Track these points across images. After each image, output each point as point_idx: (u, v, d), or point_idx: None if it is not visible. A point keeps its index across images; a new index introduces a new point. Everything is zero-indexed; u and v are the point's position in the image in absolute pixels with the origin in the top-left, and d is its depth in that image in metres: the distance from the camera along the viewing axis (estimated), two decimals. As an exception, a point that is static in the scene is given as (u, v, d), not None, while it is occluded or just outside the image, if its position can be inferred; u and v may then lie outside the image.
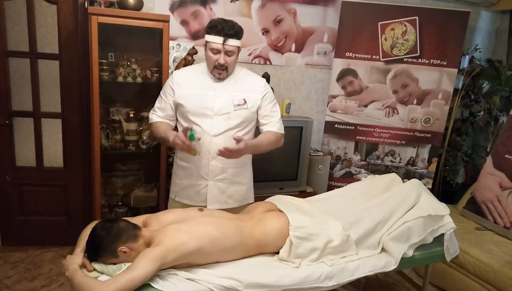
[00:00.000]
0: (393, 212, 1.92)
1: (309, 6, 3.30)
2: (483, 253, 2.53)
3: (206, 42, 1.86)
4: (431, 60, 3.26)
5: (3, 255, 2.79)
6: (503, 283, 2.35)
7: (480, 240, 2.71)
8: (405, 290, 2.77)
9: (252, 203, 2.08)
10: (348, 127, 3.40)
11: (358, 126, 3.40)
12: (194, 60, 2.79)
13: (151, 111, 2.03)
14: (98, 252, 1.49)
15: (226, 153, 1.73)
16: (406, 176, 3.44)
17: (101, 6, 2.55)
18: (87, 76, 2.64)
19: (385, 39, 3.23)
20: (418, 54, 3.25)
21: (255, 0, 3.14)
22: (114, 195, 2.91)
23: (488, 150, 3.72)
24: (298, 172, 2.99)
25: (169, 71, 2.75)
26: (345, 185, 2.34)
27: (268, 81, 3.01)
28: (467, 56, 3.69)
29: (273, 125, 2.00)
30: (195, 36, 3.03)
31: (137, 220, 1.71)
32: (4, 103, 2.70)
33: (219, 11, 3.05)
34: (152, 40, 2.76)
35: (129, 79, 2.69)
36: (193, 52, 2.77)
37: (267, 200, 2.01)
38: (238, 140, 1.74)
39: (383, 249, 1.86)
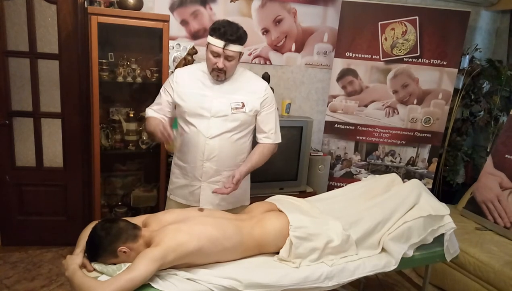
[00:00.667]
0: (393, 212, 1.91)
1: (309, 6, 3.30)
2: (483, 253, 2.53)
3: (208, 43, 1.83)
4: (431, 60, 3.26)
5: (3, 255, 2.79)
6: (503, 283, 2.35)
7: (480, 240, 2.70)
8: (405, 290, 2.77)
9: (247, 205, 2.07)
10: (348, 127, 3.40)
11: (358, 126, 3.39)
12: (194, 60, 2.79)
13: (148, 107, 2.03)
14: (98, 252, 1.49)
15: (225, 191, 1.80)
16: (406, 176, 3.44)
17: (100, 6, 2.55)
18: (87, 76, 2.64)
19: (385, 39, 3.23)
20: (418, 54, 3.25)
21: (255, 0, 3.13)
22: (114, 195, 2.91)
23: (488, 150, 3.72)
24: (298, 172, 2.99)
25: (169, 71, 2.75)
26: (345, 185, 2.33)
27: (268, 81, 3.02)
28: (467, 56, 3.69)
29: (268, 137, 1.99)
30: (195, 36, 3.03)
31: (137, 220, 1.70)
32: (3, 103, 2.70)
33: (219, 11, 3.05)
34: (152, 40, 2.76)
35: (129, 79, 2.69)
36: (193, 52, 2.77)
37: (267, 200, 2.01)
38: (236, 180, 1.80)
39: (383, 249, 1.86)
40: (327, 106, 3.37)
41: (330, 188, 3.31)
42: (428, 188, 2.69)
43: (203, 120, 1.89)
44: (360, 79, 3.31)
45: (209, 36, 1.82)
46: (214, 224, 1.63)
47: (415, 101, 3.34)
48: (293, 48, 3.35)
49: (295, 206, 1.94)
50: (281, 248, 1.70)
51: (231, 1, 3.07)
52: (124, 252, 1.48)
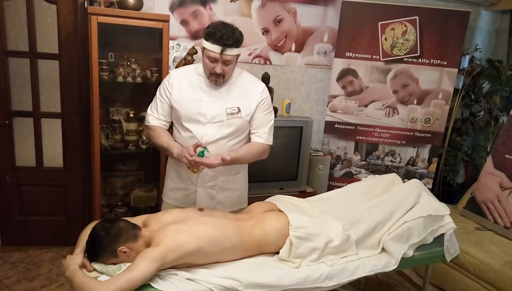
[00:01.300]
0: (393, 212, 1.91)
1: (309, 6, 3.30)
2: (483, 253, 2.53)
3: (204, 48, 1.77)
4: (431, 60, 3.26)
5: (3, 255, 2.79)
6: (503, 283, 2.35)
7: (480, 240, 2.70)
8: (405, 290, 2.77)
9: (245, 208, 2.05)
10: (348, 127, 3.39)
11: (358, 126, 3.39)
12: (194, 60, 2.79)
13: (147, 112, 1.96)
14: (98, 252, 1.49)
15: (199, 163, 1.69)
16: (406, 176, 3.44)
17: (100, 6, 2.54)
18: (87, 76, 2.64)
19: (385, 39, 3.23)
20: (418, 54, 3.25)
21: (255, 0, 3.13)
22: (114, 195, 2.91)
23: (488, 150, 3.72)
24: (298, 172, 2.99)
25: (169, 71, 2.75)
26: (345, 185, 2.33)
27: (268, 81, 3.02)
28: (467, 56, 3.69)
29: (260, 137, 1.92)
30: (195, 36, 3.03)
31: (137, 220, 1.71)
32: (3, 103, 2.70)
33: (219, 11, 3.04)
34: (152, 40, 2.76)
35: (129, 79, 2.69)
36: (193, 52, 2.77)
37: (267, 200, 2.01)
38: (222, 158, 1.70)
39: (383, 249, 1.86)
40: (327, 106, 3.37)
41: (330, 188, 3.31)
42: (428, 188, 2.69)
43: (199, 126, 1.84)
44: (360, 79, 3.31)
45: (204, 41, 1.75)
46: (214, 224, 1.63)
47: (415, 101, 3.34)
48: (293, 48, 3.35)
49: (295, 206, 1.94)
50: (281, 248, 1.70)
51: (231, 1, 3.07)
52: (124, 252, 1.48)
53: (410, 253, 1.87)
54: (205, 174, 1.89)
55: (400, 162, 3.48)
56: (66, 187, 2.90)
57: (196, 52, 2.78)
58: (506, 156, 2.95)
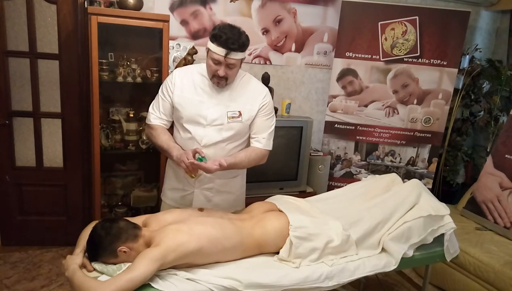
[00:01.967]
0: (393, 212, 1.91)
1: (309, 6, 3.30)
2: (483, 253, 2.53)
3: (208, 49, 1.74)
4: (431, 60, 3.26)
5: (3, 255, 2.79)
6: (503, 283, 2.35)
7: (480, 240, 2.70)
8: (405, 290, 2.77)
9: (241, 210, 2.05)
10: (348, 127, 3.40)
11: (358, 126, 3.39)
12: (194, 60, 2.79)
13: (149, 111, 1.95)
14: (98, 252, 1.49)
15: (197, 166, 1.68)
16: (406, 176, 3.44)
17: (100, 6, 2.55)
18: (87, 76, 2.64)
19: (385, 39, 3.23)
20: (418, 54, 3.25)
21: (255, 0, 3.13)
22: (114, 195, 2.91)
23: (488, 150, 3.72)
24: (298, 172, 2.99)
25: (169, 71, 2.75)
26: (345, 185, 2.33)
27: (268, 81, 3.02)
28: (467, 56, 3.69)
29: (259, 141, 1.91)
30: (195, 36, 3.03)
31: (137, 220, 1.70)
32: (4, 103, 2.70)
33: (219, 11, 3.04)
34: (152, 40, 2.76)
35: (129, 79, 2.69)
36: (193, 52, 2.77)
37: (267, 200, 2.01)
38: (219, 164, 1.69)
39: (383, 249, 1.86)
40: (327, 106, 3.37)
41: (330, 188, 3.31)
42: (428, 188, 2.69)
43: (199, 127, 1.83)
44: (360, 79, 3.31)
45: (209, 42, 1.73)
46: (214, 224, 1.63)
47: (415, 101, 3.34)
48: (293, 48, 3.35)
49: (295, 206, 1.94)
50: (281, 248, 1.71)
51: (231, 1, 3.07)
52: (124, 251, 1.48)
53: (410, 253, 1.87)
54: (203, 176, 1.88)
55: (400, 162, 3.48)
56: (66, 187, 2.90)
57: (196, 52, 2.78)
58: (506, 156, 2.95)
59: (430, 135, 3.40)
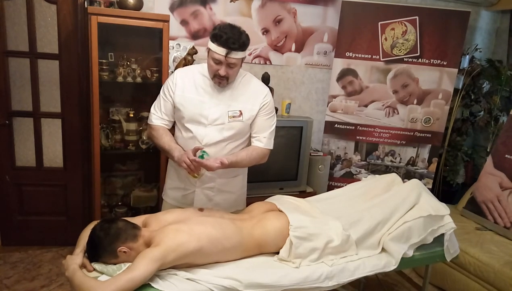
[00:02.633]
0: (393, 212, 1.91)
1: (309, 6, 3.30)
2: (483, 253, 2.53)
3: (209, 49, 1.75)
4: (431, 60, 3.26)
5: (3, 255, 2.79)
6: (503, 283, 2.35)
7: (480, 240, 2.70)
8: (405, 290, 2.77)
9: (242, 210, 2.05)
10: (348, 127, 3.40)
11: (358, 126, 3.39)
12: (194, 60, 2.79)
13: (151, 111, 1.95)
14: (97, 252, 1.49)
15: (199, 164, 1.69)
16: (406, 176, 3.44)
17: (100, 6, 2.55)
18: (87, 76, 2.64)
19: (385, 39, 3.23)
20: (418, 54, 3.25)
21: (255, 0, 3.13)
22: (114, 195, 2.91)
23: (488, 150, 3.72)
24: (298, 172, 2.99)
25: (169, 71, 2.75)
26: (345, 185, 2.33)
27: (268, 81, 3.02)
28: (467, 56, 3.69)
29: (260, 141, 1.92)
30: (195, 36, 3.03)
31: (137, 220, 1.70)
32: (4, 103, 2.70)
33: (219, 11, 3.04)
34: (152, 40, 2.76)
35: (129, 79, 2.69)
36: (193, 52, 2.77)
37: (267, 200, 2.01)
38: (220, 162, 1.70)
39: (383, 249, 1.86)
40: (327, 106, 3.37)
41: (330, 188, 3.31)
42: (428, 188, 2.69)
43: (200, 127, 1.84)
44: (360, 79, 3.31)
45: (210, 42, 1.74)
46: (214, 224, 1.63)
47: (415, 101, 3.34)
48: (293, 48, 3.35)
49: (295, 206, 1.94)
50: (281, 248, 1.70)
51: (231, 1, 3.07)
52: (124, 252, 1.48)
53: (410, 253, 1.87)
54: (204, 175, 1.88)
55: (400, 162, 3.48)
56: (66, 187, 2.90)
57: (196, 52, 2.78)
58: (506, 156, 2.95)
59: (430, 135, 3.40)
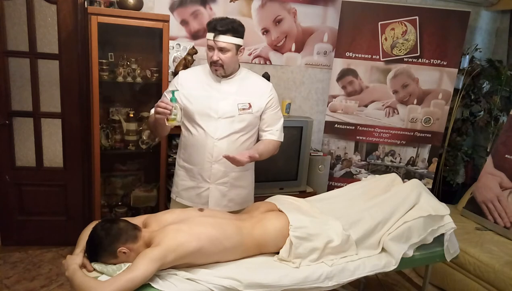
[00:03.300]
0: (393, 212, 1.91)
1: (309, 6, 3.30)
2: (483, 253, 2.53)
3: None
4: (431, 60, 3.26)
5: (3, 255, 2.79)
6: (503, 283, 2.35)
7: (480, 240, 2.70)
8: (405, 290, 2.77)
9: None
10: (348, 127, 3.40)
11: (358, 126, 3.39)
12: (194, 60, 2.79)
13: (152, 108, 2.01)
14: (97, 252, 1.49)
15: (230, 159, 1.73)
16: (406, 176, 3.44)
17: (101, 6, 2.54)
18: (87, 76, 2.64)
19: (385, 39, 3.23)
20: (418, 54, 3.25)
21: (255, 0, 3.13)
22: (114, 195, 2.91)
23: (488, 150, 3.72)
24: (298, 172, 2.99)
25: (169, 71, 2.75)
26: (345, 185, 2.33)
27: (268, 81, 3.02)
28: (467, 56, 3.69)
29: (273, 134, 1.99)
30: (195, 36, 3.03)
31: (137, 220, 1.71)
32: (4, 103, 2.70)
33: (219, 10, 3.04)
34: (152, 40, 2.76)
35: (129, 79, 2.69)
36: (193, 52, 2.77)
37: (267, 200, 2.01)
38: (249, 155, 1.75)
39: (383, 249, 1.86)
40: (327, 106, 3.37)
41: (330, 188, 3.31)
42: (428, 188, 2.69)
43: (211, 121, 1.88)
44: (360, 79, 3.31)
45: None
46: (214, 224, 1.63)
47: (415, 101, 3.34)
48: (293, 48, 3.35)
49: (295, 206, 1.94)
50: (281, 248, 1.71)
51: (231, 1, 3.07)
52: (124, 252, 1.48)
53: (410, 253, 1.87)
54: (218, 170, 1.93)
55: (400, 162, 3.48)
56: (66, 187, 2.90)
57: (196, 52, 2.78)
58: (506, 156, 2.95)
59: (430, 135, 3.40)
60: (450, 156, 3.85)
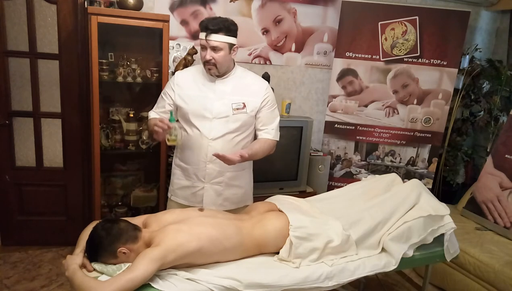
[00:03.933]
0: (393, 212, 1.91)
1: (309, 6, 3.30)
2: (483, 253, 2.53)
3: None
4: (431, 60, 3.26)
5: (3, 255, 2.79)
6: (503, 283, 2.35)
7: (480, 240, 2.70)
8: (405, 290, 2.77)
9: (250, 204, 2.07)
10: (348, 127, 3.40)
11: (358, 126, 3.39)
12: (194, 60, 2.79)
13: (150, 110, 2.04)
14: (98, 251, 1.49)
15: (221, 157, 1.73)
16: (406, 176, 3.44)
17: (101, 6, 2.54)
18: (87, 76, 2.64)
19: (385, 39, 3.23)
20: (418, 54, 3.25)
21: (255, 0, 3.13)
22: (114, 195, 2.91)
23: (488, 150, 3.72)
24: (298, 172, 2.99)
25: (169, 71, 2.75)
26: (345, 185, 2.33)
27: (268, 81, 3.01)
28: (467, 56, 3.69)
29: (269, 133, 1.98)
30: (195, 36, 3.03)
31: (137, 220, 1.71)
32: (4, 103, 2.70)
33: (219, 10, 3.04)
34: (152, 40, 2.76)
35: (129, 79, 2.69)
36: (193, 52, 2.77)
37: (267, 200, 2.01)
38: (240, 155, 1.75)
39: (383, 249, 1.86)
40: (327, 106, 3.37)
41: (330, 188, 3.31)
42: (428, 188, 2.69)
43: (205, 122, 1.89)
44: (360, 79, 3.31)
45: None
46: (214, 224, 1.63)
47: (415, 101, 3.34)
48: (293, 48, 3.35)
49: (295, 206, 1.94)
50: (281, 248, 1.70)
51: (231, 1, 3.07)
52: (124, 253, 1.48)
53: (410, 253, 1.87)
54: (213, 169, 1.93)
55: (400, 162, 3.48)
56: (66, 187, 2.90)
57: (196, 52, 2.78)
58: (506, 156, 2.95)
59: (430, 135, 3.40)
60: (450, 156, 3.85)
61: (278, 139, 2.02)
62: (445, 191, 3.88)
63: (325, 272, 1.67)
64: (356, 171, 3.48)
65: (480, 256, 2.51)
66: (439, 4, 3.54)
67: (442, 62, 3.26)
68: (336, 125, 3.39)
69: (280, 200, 1.97)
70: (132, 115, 2.75)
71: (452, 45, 3.23)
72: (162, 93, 2.01)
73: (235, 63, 1.98)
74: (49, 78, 2.75)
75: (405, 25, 3.21)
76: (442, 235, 1.95)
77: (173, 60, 2.92)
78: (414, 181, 2.10)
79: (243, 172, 2.05)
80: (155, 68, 2.71)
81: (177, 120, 1.96)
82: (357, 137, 3.42)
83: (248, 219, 1.79)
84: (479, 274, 2.49)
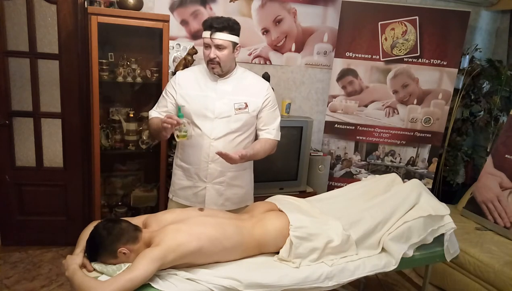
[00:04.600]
0: (393, 212, 1.91)
1: (309, 6, 3.30)
2: (483, 253, 2.53)
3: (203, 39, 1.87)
4: (431, 60, 3.26)
5: (3, 255, 2.79)
6: (503, 283, 2.35)
7: (480, 240, 2.70)
8: (405, 290, 2.77)
9: (251, 204, 2.07)
10: (348, 127, 3.40)
11: (358, 126, 3.39)
12: (194, 60, 2.79)
13: (151, 109, 2.04)
14: (98, 251, 1.49)
15: (224, 156, 1.74)
16: (406, 176, 3.44)
17: (101, 6, 2.54)
18: (87, 76, 2.64)
19: (385, 39, 3.23)
20: (418, 54, 3.25)
21: (255, 0, 3.13)
22: (114, 195, 2.91)
23: (488, 150, 3.72)
24: (298, 172, 2.99)
25: (169, 71, 2.75)
26: (345, 185, 2.33)
27: (268, 81, 3.01)
28: (467, 56, 3.69)
29: (270, 133, 1.99)
30: (195, 36, 3.03)
31: (137, 220, 1.71)
32: (4, 103, 2.70)
33: (219, 10, 3.04)
34: (152, 40, 2.76)
35: (129, 79, 2.69)
36: (193, 52, 2.77)
37: (267, 200, 2.01)
38: (240, 154, 1.75)
39: (383, 249, 1.86)
40: (327, 106, 3.37)
41: (330, 188, 3.31)
42: (428, 188, 2.69)
43: (207, 121, 1.89)
44: (360, 79, 3.31)
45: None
46: (214, 224, 1.63)
47: (415, 101, 3.34)
48: (293, 48, 3.35)
49: (295, 206, 1.94)
50: (281, 248, 1.71)
51: (231, 1, 3.07)
52: (124, 253, 1.48)
53: (410, 253, 1.87)
54: (214, 169, 1.93)
55: (400, 162, 3.48)
56: (66, 187, 2.90)
57: (196, 52, 2.78)
58: (506, 156, 2.95)
59: (430, 135, 3.40)
60: (450, 156, 3.85)
61: (279, 139, 2.03)
62: (445, 191, 3.88)
63: (325, 272, 1.67)
64: (356, 171, 3.48)
65: (480, 256, 2.51)
66: (439, 4, 3.54)
67: (442, 62, 3.26)
68: (336, 125, 3.39)
69: (280, 200, 1.97)
70: (132, 115, 2.75)
71: (452, 45, 3.23)
72: (163, 93, 2.00)
73: (236, 63, 1.98)
74: (49, 78, 2.75)
75: (405, 25, 3.21)
76: (442, 235, 1.95)
77: (173, 60, 2.92)
78: (414, 181, 2.10)
79: (244, 172, 2.06)
80: (155, 68, 2.71)
81: None
82: (357, 137, 3.42)
83: (248, 219, 1.79)
84: (479, 274, 2.49)
